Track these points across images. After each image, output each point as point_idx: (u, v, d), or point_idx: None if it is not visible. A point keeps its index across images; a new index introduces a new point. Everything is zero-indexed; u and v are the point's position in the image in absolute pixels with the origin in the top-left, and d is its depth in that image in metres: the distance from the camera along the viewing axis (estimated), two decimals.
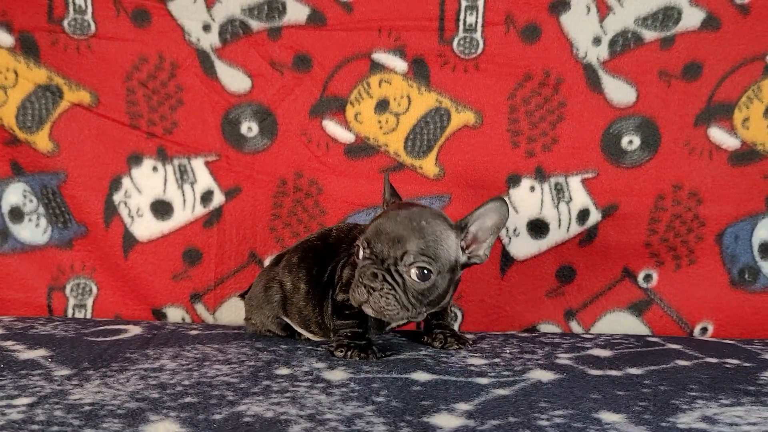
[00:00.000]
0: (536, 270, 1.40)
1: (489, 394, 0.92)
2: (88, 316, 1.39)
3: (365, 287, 1.02)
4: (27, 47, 1.35)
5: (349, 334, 1.11)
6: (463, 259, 1.07)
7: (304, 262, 1.18)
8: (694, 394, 0.94)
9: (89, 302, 1.40)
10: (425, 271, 1.02)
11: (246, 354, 1.10)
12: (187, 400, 0.87)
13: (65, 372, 0.97)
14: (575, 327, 1.40)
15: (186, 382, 0.94)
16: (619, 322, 1.39)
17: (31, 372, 0.96)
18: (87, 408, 0.83)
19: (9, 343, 1.12)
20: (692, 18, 1.33)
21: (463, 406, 0.87)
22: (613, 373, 1.04)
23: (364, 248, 1.04)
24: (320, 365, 1.04)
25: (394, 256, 1.02)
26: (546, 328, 1.40)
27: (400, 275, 1.02)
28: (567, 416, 0.84)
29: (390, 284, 1.02)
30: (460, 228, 1.07)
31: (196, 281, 1.40)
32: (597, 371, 1.04)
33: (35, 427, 0.77)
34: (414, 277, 1.02)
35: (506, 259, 1.40)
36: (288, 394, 0.90)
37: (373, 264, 1.03)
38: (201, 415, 0.82)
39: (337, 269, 1.16)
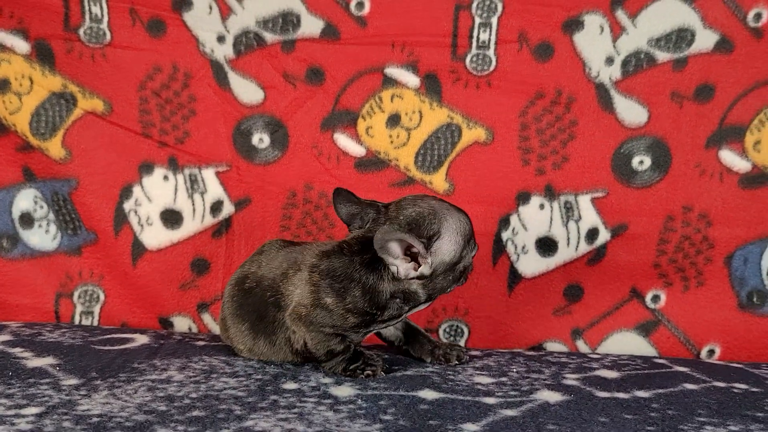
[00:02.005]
0: (544, 288, 1.40)
1: (496, 414, 0.92)
2: (95, 323, 1.40)
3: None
4: (43, 54, 1.36)
5: (346, 361, 1.08)
6: None
7: (231, 320, 1.15)
8: (702, 419, 0.94)
9: (96, 309, 1.40)
10: None
11: (253, 367, 1.10)
12: (195, 413, 0.87)
13: (73, 381, 0.97)
14: (582, 346, 1.39)
15: (193, 395, 0.94)
16: (626, 343, 1.38)
17: (39, 381, 0.97)
18: (95, 420, 0.83)
19: (17, 350, 1.12)
20: (705, 40, 1.34)
21: (471, 427, 0.87)
22: (621, 395, 1.04)
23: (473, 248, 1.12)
24: (327, 380, 1.04)
25: None
26: (552, 346, 1.39)
27: None
28: None
29: None
30: None
31: (203, 291, 1.41)
32: (604, 393, 1.04)
33: None
34: None
35: (514, 277, 1.40)
36: (295, 410, 0.90)
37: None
38: (208, 430, 0.82)
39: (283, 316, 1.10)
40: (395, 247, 1.02)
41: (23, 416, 0.83)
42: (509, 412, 0.93)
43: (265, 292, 1.12)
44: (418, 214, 1.06)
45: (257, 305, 1.12)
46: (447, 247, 1.06)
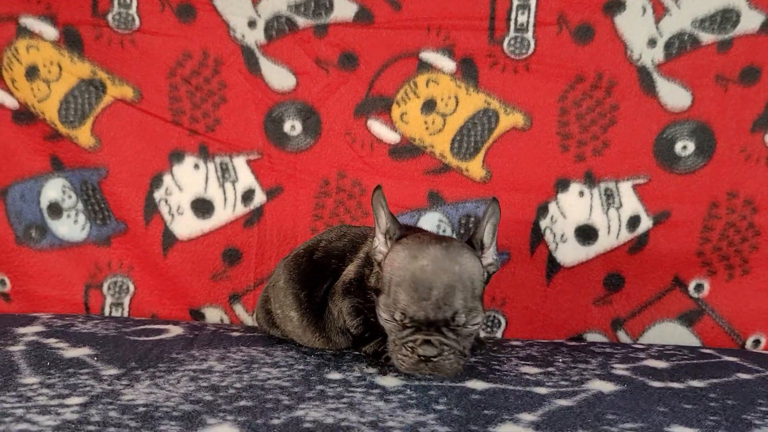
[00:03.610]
0: (583, 277, 1.36)
1: (551, 404, 0.89)
2: (125, 314, 1.37)
3: (420, 358, 0.91)
4: (71, 41, 1.33)
5: (386, 349, 1.02)
6: (485, 276, 0.98)
7: (290, 286, 1.11)
8: (764, 409, 0.91)
9: (126, 301, 1.37)
10: (478, 318, 0.93)
11: (293, 357, 1.07)
12: (243, 403, 0.84)
13: (113, 371, 0.95)
14: (623, 337, 1.36)
15: (238, 385, 0.91)
16: (669, 333, 1.35)
17: (78, 371, 0.94)
18: (142, 409, 0.80)
19: (51, 341, 1.10)
20: (751, 21, 1.30)
21: (527, 417, 0.84)
22: (676, 385, 1.00)
23: (401, 320, 0.93)
24: (371, 370, 1.01)
25: (443, 319, 0.91)
26: (592, 337, 1.36)
27: (453, 331, 0.92)
28: (638, 429, 0.81)
29: (448, 345, 0.91)
30: (481, 246, 0.98)
31: (235, 282, 1.38)
32: (658, 383, 1.01)
33: (92, 428, 0.74)
34: (470, 328, 0.93)
35: (553, 266, 1.36)
36: (345, 400, 0.87)
37: (418, 331, 0.91)
38: (259, 420, 0.79)
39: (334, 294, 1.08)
40: (379, 219, 0.99)
41: (68, 406, 0.80)
42: (564, 402, 0.90)
43: (331, 259, 1.11)
44: (422, 233, 1.01)
45: (323, 274, 1.10)
46: (387, 262, 0.96)
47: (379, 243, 1.00)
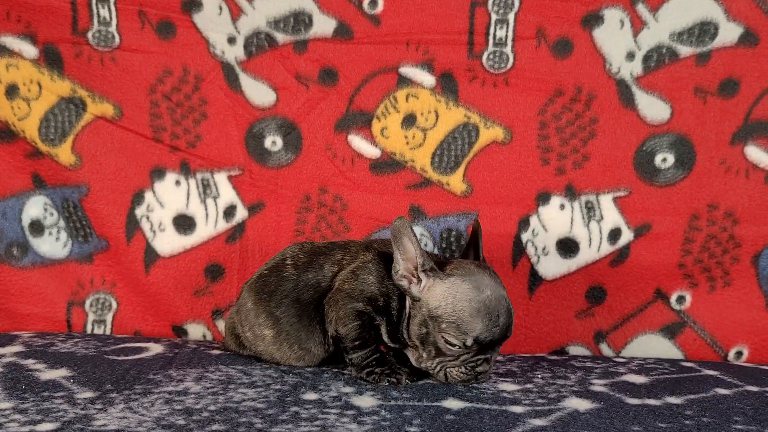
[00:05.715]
0: (565, 290, 1.36)
1: (525, 424, 0.89)
2: (108, 331, 1.37)
3: (478, 374, 1.03)
4: (51, 59, 1.33)
5: (373, 362, 1.06)
6: None
7: (261, 306, 1.13)
8: (739, 427, 0.91)
9: (109, 317, 1.37)
10: None
11: (271, 376, 1.07)
12: (215, 427, 0.84)
13: (88, 394, 0.94)
14: (605, 349, 1.36)
15: (212, 408, 0.91)
16: (651, 345, 1.35)
17: (53, 394, 0.94)
18: None
19: (30, 362, 1.09)
20: (729, 33, 1.30)
21: None
22: (652, 402, 1.00)
23: (471, 345, 1.00)
24: (348, 389, 1.01)
25: (502, 339, 1.03)
26: (575, 350, 1.36)
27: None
28: None
29: (494, 359, 1.05)
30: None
31: (217, 297, 1.38)
32: (635, 400, 1.01)
33: None
34: None
35: (534, 279, 1.36)
36: (318, 422, 0.87)
37: (479, 352, 1.02)
38: None
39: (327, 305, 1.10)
40: (403, 247, 1.02)
41: None
42: (538, 422, 0.90)
43: (308, 273, 1.12)
44: (461, 262, 1.06)
45: (295, 290, 1.11)
46: (442, 293, 1.01)
47: (403, 270, 1.03)
